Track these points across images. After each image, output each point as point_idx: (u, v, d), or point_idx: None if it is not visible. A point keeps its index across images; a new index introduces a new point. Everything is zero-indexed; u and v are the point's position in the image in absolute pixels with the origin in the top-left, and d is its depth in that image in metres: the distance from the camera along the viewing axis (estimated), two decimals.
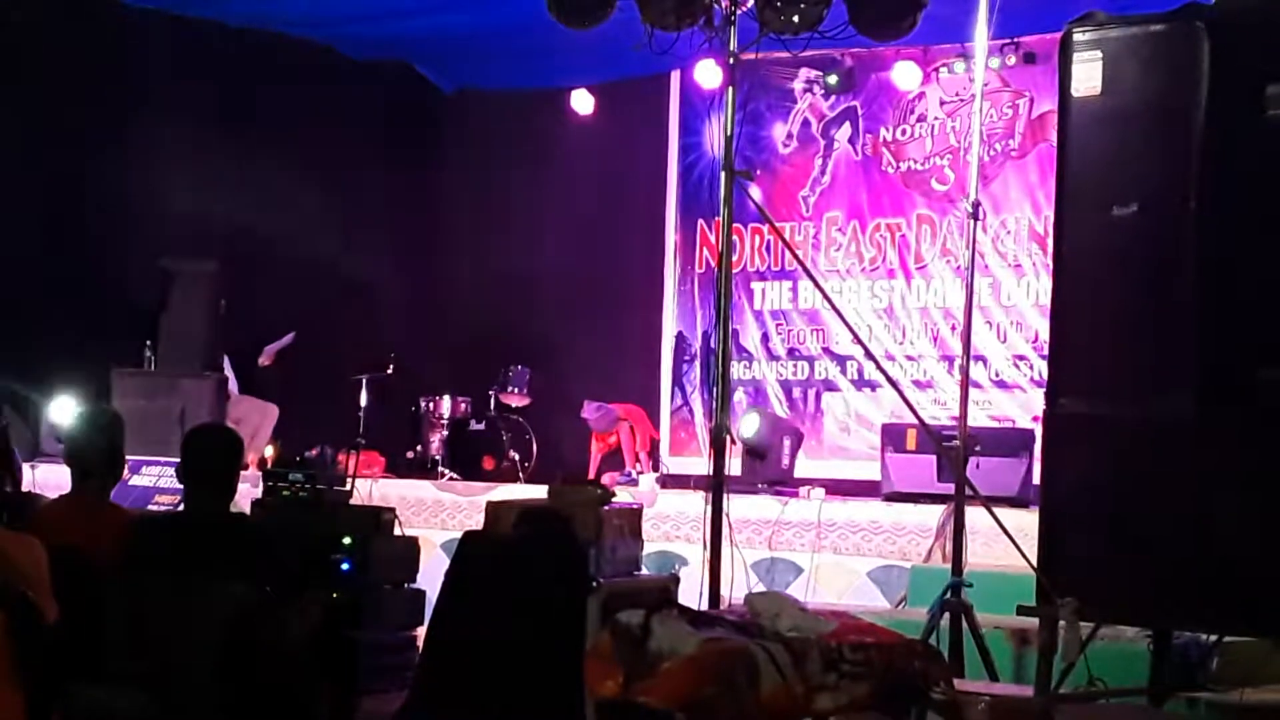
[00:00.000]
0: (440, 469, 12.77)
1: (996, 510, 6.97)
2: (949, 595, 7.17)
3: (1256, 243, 5.58)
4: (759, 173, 13.49)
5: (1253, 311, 5.58)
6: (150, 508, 9.51)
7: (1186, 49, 5.69)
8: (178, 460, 6.14)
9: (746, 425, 11.22)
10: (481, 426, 13.35)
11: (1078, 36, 5.97)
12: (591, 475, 12.46)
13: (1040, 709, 5.73)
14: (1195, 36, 5.67)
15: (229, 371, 12.27)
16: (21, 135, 12.19)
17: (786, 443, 11.24)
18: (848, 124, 13.73)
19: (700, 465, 12.05)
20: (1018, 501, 9.31)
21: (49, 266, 12.19)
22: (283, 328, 12.70)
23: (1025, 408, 12.30)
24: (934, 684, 5.56)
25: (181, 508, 6.28)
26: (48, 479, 9.73)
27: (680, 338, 14.31)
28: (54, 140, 12.37)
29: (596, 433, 13.11)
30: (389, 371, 13.08)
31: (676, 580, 7.21)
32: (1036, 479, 7.82)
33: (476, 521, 7.48)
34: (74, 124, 12.44)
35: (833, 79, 13.57)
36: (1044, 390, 6.15)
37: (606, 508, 6.75)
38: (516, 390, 13.50)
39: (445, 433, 13.17)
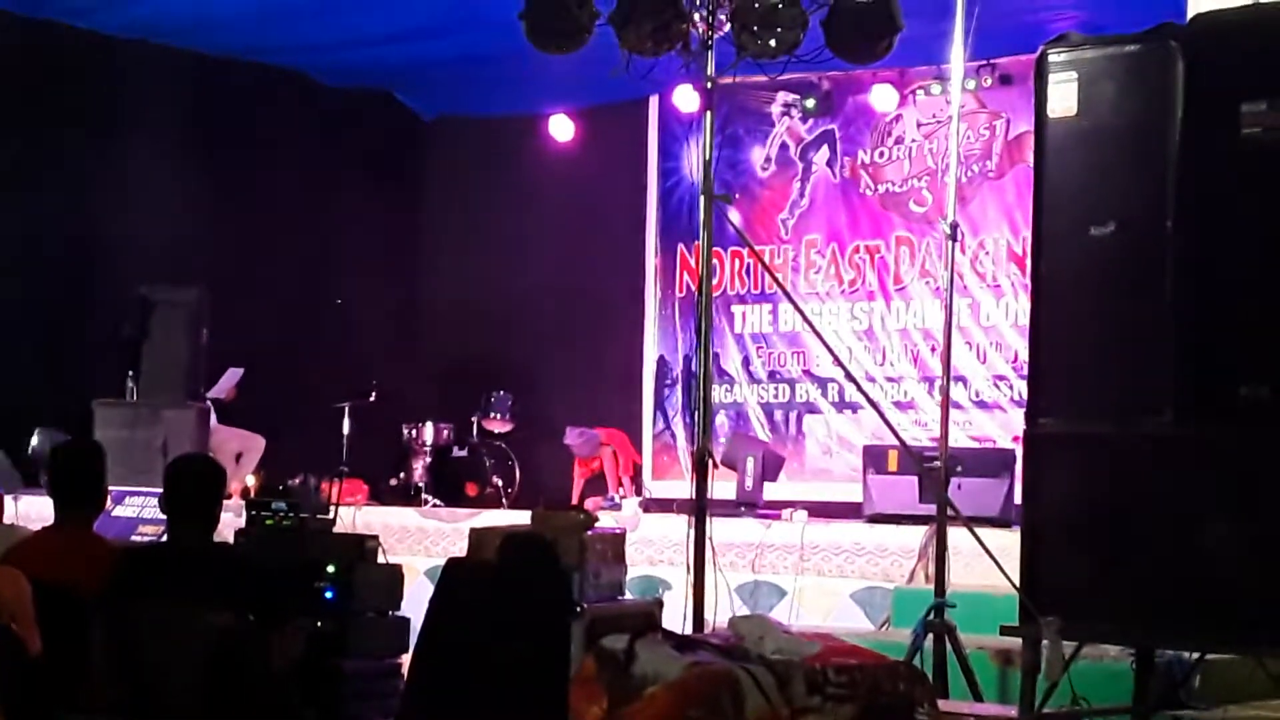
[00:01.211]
0: (423, 496, 12.75)
1: (979, 530, 6.98)
2: (932, 616, 7.17)
3: (1234, 261, 5.60)
4: (738, 196, 13.48)
5: (1231, 330, 5.60)
6: (134, 539, 9.48)
7: (1161, 69, 5.72)
8: (160, 491, 6.14)
9: (735, 449, 11.26)
10: (464, 453, 13.34)
11: (1053, 58, 5.99)
12: (574, 500, 12.45)
13: None
14: (1169, 56, 5.70)
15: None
16: None
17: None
18: (825, 147, 13.76)
19: (683, 489, 12.04)
20: (1000, 522, 9.31)
21: (27, 297, 12.18)
22: (264, 360, 12.66)
23: (1006, 428, 12.31)
24: (918, 705, 5.57)
25: (165, 538, 6.28)
26: (29, 510, 9.69)
27: (662, 361, 14.32)
28: (31, 169, 12.37)
29: (579, 458, 13.11)
30: (371, 399, 13.09)
31: (660, 604, 7.19)
32: (1018, 499, 7.83)
33: (460, 548, 7.46)
34: (52, 152, 12.44)
35: (810, 102, 13.60)
36: (1024, 410, 6.17)
37: (590, 533, 6.74)
38: (499, 416, 13.50)
39: (428, 459, 13.17)
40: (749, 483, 11.09)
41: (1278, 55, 5.60)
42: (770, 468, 11.43)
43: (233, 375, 12.46)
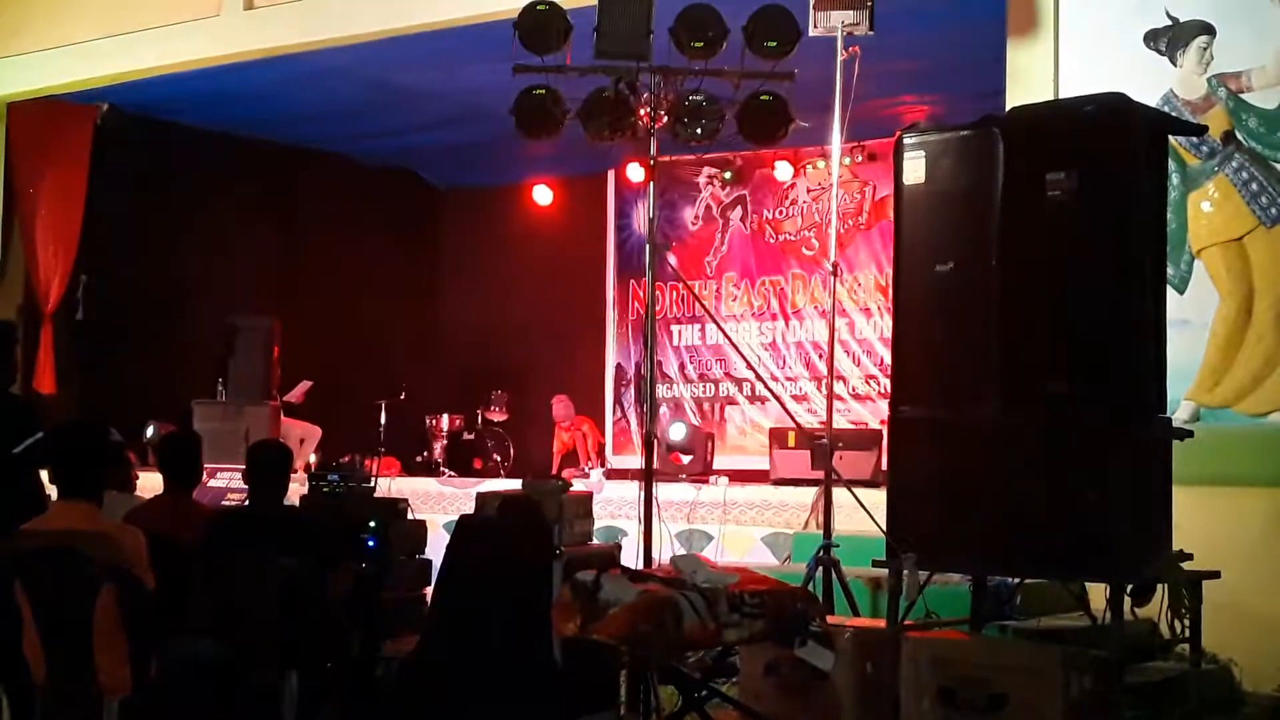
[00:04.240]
0: (441, 469, 12.70)
1: (856, 490, 6.99)
2: (822, 554, 7.17)
3: (1040, 289, 5.63)
4: (674, 244, 13.54)
5: (1038, 340, 5.63)
6: (223, 503, 9.43)
7: (986, 148, 5.76)
8: (243, 468, 6.10)
9: (675, 432, 11.24)
10: (472, 437, 13.29)
11: (907, 140, 6.02)
12: (554, 471, 12.43)
13: (891, 636, 5.76)
14: (993, 139, 5.74)
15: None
16: (121, 229, 12.13)
17: (706, 444, 11.25)
18: (740, 207, 13.76)
19: (636, 462, 12.03)
20: (871, 484, 9.28)
21: (149, 324, 12.12)
22: (321, 370, 12.60)
23: (875, 414, 12.32)
24: (812, 620, 5.58)
25: (247, 503, 6.23)
26: (145, 483, 9.59)
27: (619, 368, 14.29)
28: (150, 229, 12.32)
29: (558, 423, 13.06)
30: (402, 397, 13.03)
31: (619, 547, 7.17)
32: (884, 466, 7.85)
33: (469, 508, 7.41)
34: (162, 216, 12.39)
35: (728, 174, 13.61)
36: (888, 401, 6.18)
37: (566, 495, 6.72)
38: (498, 409, 13.46)
39: (445, 442, 13.12)
40: (707, 458, 11.11)
41: (1072, 137, 5.64)
42: (711, 447, 11.46)
43: (304, 386, 12.40)
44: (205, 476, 8.60)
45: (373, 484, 7.71)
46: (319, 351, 12.69)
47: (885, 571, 6.03)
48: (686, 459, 11.04)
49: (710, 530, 9.48)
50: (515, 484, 7.49)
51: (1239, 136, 7.20)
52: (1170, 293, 6.09)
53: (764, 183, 13.57)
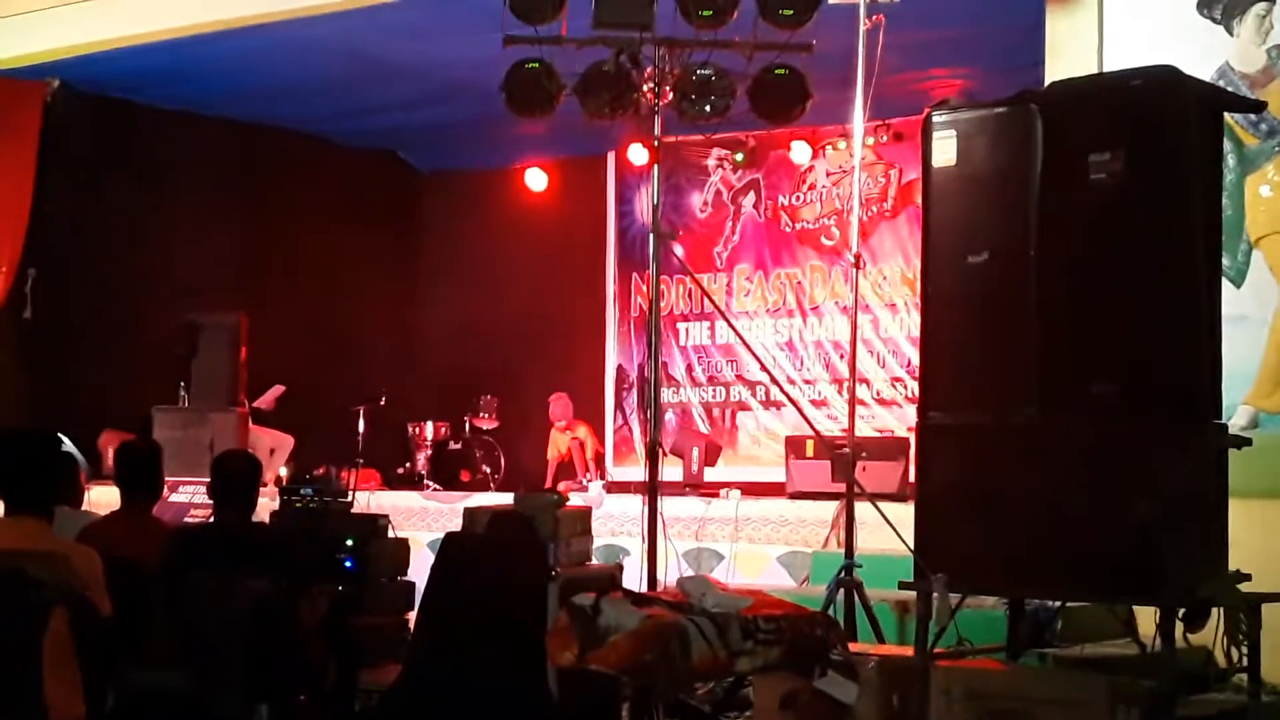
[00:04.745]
0: (425, 482, 12.73)
1: (880, 504, 6.99)
2: (843, 574, 7.17)
3: (1084, 282, 5.63)
4: (681, 234, 13.54)
5: (1083, 338, 5.62)
6: (186, 520, 9.43)
7: (1024, 126, 5.74)
8: (208, 480, 6.11)
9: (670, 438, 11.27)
10: (458, 446, 13.32)
11: (936, 118, 6.00)
12: (549, 483, 12.44)
13: (920, 665, 5.75)
14: (1031, 116, 5.72)
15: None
16: (74, 216, 12.14)
17: (696, 450, 11.20)
18: (753, 192, 13.77)
19: (639, 473, 12.03)
20: (897, 497, 9.31)
21: (99, 321, 12.12)
22: (293, 372, 12.61)
23: (902, 420, 12.32)
24: (833, 647, 5.57)
25: (212, 519, 6.24)
26: (100, 498, 9.61)
27: (620, 369, 14.31)
28: (100, 218, 12.33)
29: (554, 422, 13.08)
30: (381, 402, 13.03)
31: (621, 568, 7.19)
32: (912, 478, 7.85)
33: (456, 524, 7.43)
34: (115, 204, 12.39)
35: (739, 156, 13.62)
36: (916, 406, 6.17)
37: (562, 510, 6.73)
38: (486, 415, 13.49)
39: (429, 451, 13.15)
40: (694, 467, 11.09)
41: (1117, 115, 5.63)
42: (710, 455, 11.44)
43: (275, 391, 12.42)
44: (166, 490, 8.59)
45: (350, 498, 7.73)
46: (291, 352, 12.69)
47: (913, 594, 6.01)
48: (695, 469, 11.04)
49: (721, 549, 9.49)
50: (507, 498, 7.50)
51: None
52: (1226, 286, 6.09)
53: (779, 165, 13.58)
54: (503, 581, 5.99)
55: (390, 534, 7.51)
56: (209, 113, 12.75)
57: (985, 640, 6.34)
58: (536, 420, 13.33)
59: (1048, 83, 7.12)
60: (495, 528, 6.41)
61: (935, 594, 5.73)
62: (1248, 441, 5.90)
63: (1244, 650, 5.71)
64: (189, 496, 10.17)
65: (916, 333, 7.34)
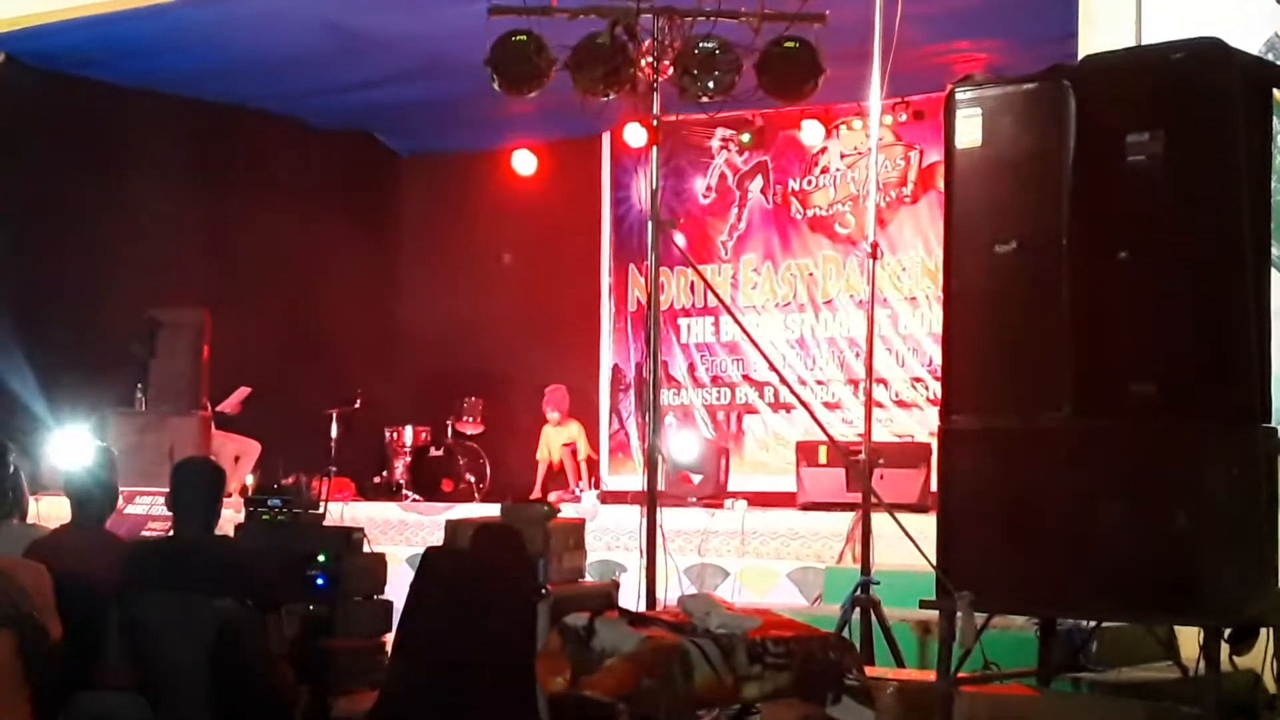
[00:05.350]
0: (404, 492, 12.73)
1: (899, 516, 6.99)
2: (859, 592, 7.18)
3: (1121, 274, 5.62)
4: (682, 221, 13.55)
5: (1120, 334, 5.62)
6: (143, 534, 9.42)
7: (1055, 104, 5.73)
8: (167, 491, 6.10)
9: (683, 446, 11.26)
10: (440, 453, 13.31)
11: (959, 95, 6.00)
12: (538, 493, 12.44)
13: (942, 691, 5.75)
14: (1062, 94, 5.72)
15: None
16: (21, 202, 12.12)
17: (721, 462, 11.30)
18: (760, 176, 13.78)
19: (636, 482, 12.03)
20: (917, 508, 9.33)
21: (48, 319, 12.10)
22: (260, 373, 12.61)
23: (922, 424, 12.35)
24: (847, 672, 5.58)
25: (171, 533, 6.23)
26: (49, 511, 9.60)
27: (616, 369, 14.30)
28: (50, 204, 12.29)
29: (546, 412, 13.11)
30: (356, 405, 13.06)
31: (617, 586, 7.19)
32: (934, 487, 7.84)
33: (437, 538, 7.43)
34: (68, 189, 12.37)
35: (745, 137, 13.63)
36: (938, 408, 6.17)
37: (553, 523, 6.73)
38: (471, 419, 13.48)
39: (408, 459, 13.15)
40: (721, 478, 11.15)
41: (1157, 91, 5.63)
42: (726, 464, 11.50)
43: (241, 393, 12.43)
44: (121, 502, 8.60)
45: (322, 510, 7.71)
46: (258, 351, 12.70)
47: (935, 614, 6.01)
48: (697, 479, 11.06)
49: (726, 565, 9.50)
50: (493, 510, 7.48)
51: None
52: (1276, 277, 6.08)
53: (789, 147, 13.59)
54: (488, 601, 5.99)
55: (366, 549, 7.50)
56: (170, 90, 12.75)
57: (1014, 664, 6.35)
58: (524, 425, 13.33)
59: (1081, 56, 7.12)
60: (480, 542, 6.41)
61: (959, 613, 5.72)
62: None
63: None
64: (146, 508, 10.17)
65: (938, 329, 7.31)
